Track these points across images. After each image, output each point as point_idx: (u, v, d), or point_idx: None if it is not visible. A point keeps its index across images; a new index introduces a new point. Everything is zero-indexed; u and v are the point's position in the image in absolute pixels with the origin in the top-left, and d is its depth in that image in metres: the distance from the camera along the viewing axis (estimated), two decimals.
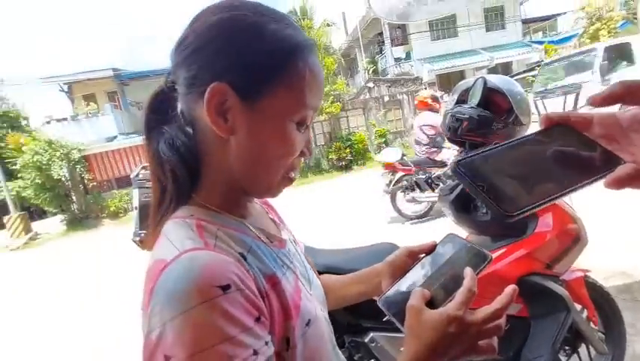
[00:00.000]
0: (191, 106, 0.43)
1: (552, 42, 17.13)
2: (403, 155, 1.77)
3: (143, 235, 1.40)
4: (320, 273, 1.32)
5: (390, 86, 13.99)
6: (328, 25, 15.45)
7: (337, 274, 1.27)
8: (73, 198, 11.59)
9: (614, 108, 0.31)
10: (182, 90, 0.43)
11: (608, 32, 15.95)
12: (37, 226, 12.62)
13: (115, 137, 13.16)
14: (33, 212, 15.06)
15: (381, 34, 17.68)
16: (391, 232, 4.19)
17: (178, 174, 0.44)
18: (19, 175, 11.16)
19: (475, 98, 1.32)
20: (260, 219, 0.53)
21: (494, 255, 1.25)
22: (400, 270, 0.55)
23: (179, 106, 0.45)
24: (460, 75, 17.55)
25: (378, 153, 12.21)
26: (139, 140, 10.09)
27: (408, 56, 17.49)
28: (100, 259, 6.40)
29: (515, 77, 15.59)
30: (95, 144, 12.18)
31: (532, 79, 13.86)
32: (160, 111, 0.46)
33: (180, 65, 0.43)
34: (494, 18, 18.02)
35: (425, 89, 14.54)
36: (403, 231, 4.13)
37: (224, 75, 0.40)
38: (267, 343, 0.37)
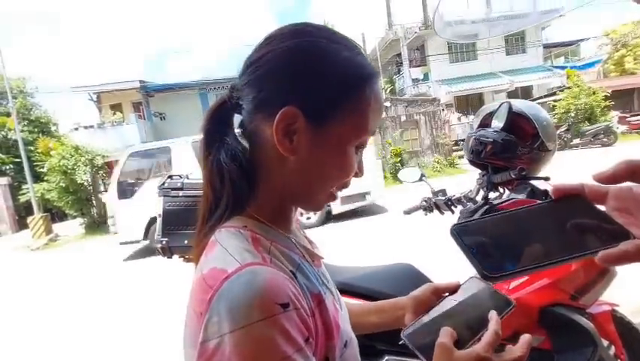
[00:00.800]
0: (256, 124, 0.44)
1: (574, 67, 16.96)
2: (423, 175, 1.76)
3: (164, 242, 1.45)
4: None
5: (407, 106, 14.05)
6: None
7: (352, 292, 1.29)
8: (94, 202, 11.95)
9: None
10: (248, 107, 0.45)
11: (634, 59, 15.67)
12: (57, 227, 13.01)
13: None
14: (55, 214, 15.55)
15: (399, 55, 17.91)
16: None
17: (237, 184, 0.45)
18: (45, 178, 11.63)
19: (499, 121, 1.31)
20: (300, 237, 0.53)
21: (515, 283, 1.24)
22: (424, 306, 0.55)
23: (240, 120, 0.46)
24: (479, 98, 17.49)
25: (393, 172, 12.20)
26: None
27: (426, 77, 17.61)
28: (113, 263, 6.53)
29: (536, 102, 15.44)
30: (117, 152, 12.63)
31: (554, 104, 13.72)
32: (221, 123, 0.47)
33: (251, 84, 0.44)
34: (515, 42, 18.02)
35: (443, 110, 14.59)
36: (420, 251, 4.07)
37: (296, 98, 0.41)
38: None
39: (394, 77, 19.38)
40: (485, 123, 1.40)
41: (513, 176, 1.21)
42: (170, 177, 1.55)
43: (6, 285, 6.39)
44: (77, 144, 11.59)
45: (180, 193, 1.44)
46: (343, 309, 0.54)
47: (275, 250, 0.43)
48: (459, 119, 15.28)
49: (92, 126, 13.87)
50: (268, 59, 0.43)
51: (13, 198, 16.26)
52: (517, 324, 1.20)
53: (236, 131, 0.47)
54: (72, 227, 12.62)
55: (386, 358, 1.22)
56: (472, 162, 1.39)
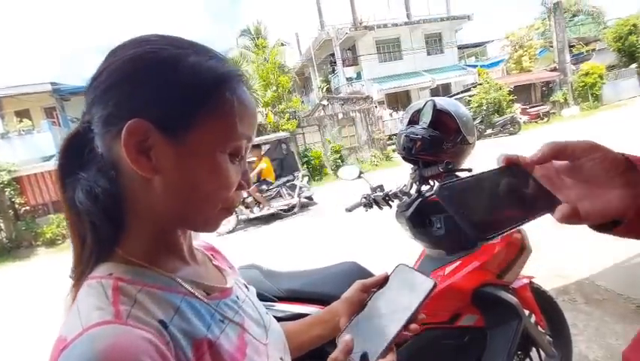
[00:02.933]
0: (109, 146, 0.39)
1: (483, 66, 19.18)
2: (361, 172, 1.84)
3: None
4: (282, 298, 1.32)
5: (343, 104, 14.58)
6: (282, 44, 15.83)
7: (301, 297, 1.33)
8: (1, 225, 10.36)
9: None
10: (98, 130, 0.39)
11: (529, 58, 18.27)
12: None
13: (52, 156, 12.04)
14: None
15: (333, 54, 18.47)
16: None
17: (98, 226, 0.39)
18: None
19: (425, 119, 1.39)
20: (198, 270, 0.48)
21: (450, 268, 1.34)
22: (356, 305, 0.55)
23: (99, 148, 0.40)
24: (406, 95, 18.87)
25: (335, 168, 12.60)
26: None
27: (359, 76, 18.44)
28: (29, 294, 5.74)
29: (454, 97, 17.15)
30: (28, 164, 11.07)
31: (469, 98, 15.38)
32: (76, 155, 0.41)
33: (95, 102, 0.39)
34: (434, 43, 19.72)
35: (376, 107, 15.45)
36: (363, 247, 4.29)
37: (144, 111, 0.37)
38: None
39: (330, 75, 19.95)
40: (413, 120, 1.47)
41: (441, 169, 1.31)
42: None
43: None
44: None
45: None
46: (270, 335, 0.51)
47: (143, 297, 0.37)
48: (390, 115, 16.33)
49: None
50: (109, 72, 0.39)
51: None
52: (455, 306, 1.31)
53: (101, 161, 0.40)
54: None
55: None
56: (405, 158, 1.47)
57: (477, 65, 19.64)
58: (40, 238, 10.31)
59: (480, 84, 15.39)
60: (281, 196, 7.09)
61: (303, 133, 13.26)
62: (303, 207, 7.57)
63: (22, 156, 11.29)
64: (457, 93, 17.23)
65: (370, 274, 1.33)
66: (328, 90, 18.47)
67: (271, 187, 7.04)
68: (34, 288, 6.04)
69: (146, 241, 0.42)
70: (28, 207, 10.84)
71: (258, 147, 7.40)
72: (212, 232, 0.46)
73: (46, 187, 11.14)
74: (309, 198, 7.74)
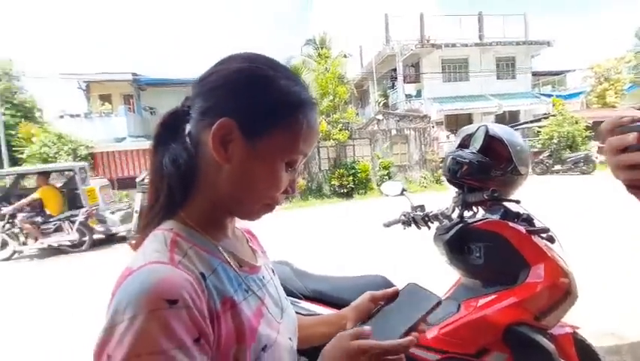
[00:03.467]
0: (200, 131, 0.49)
1: (560, 96, 17.61)
2: (404, 189, 1.82)
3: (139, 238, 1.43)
4: (308, 297, 1.31)
5: (399, 121, 14.25)
6: (345, 56, 15.95)
7: (325, 300, 1.32)
8: None
9: None
10: (195, 116, 0.49)
11: (615, 93, 16.40)
12: None
13: (124, 138, 13.32)
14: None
15: (394, 70, 18.22)
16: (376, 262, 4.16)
17: (173, 188, 0.49)
18: (23, 165, 11.26)
19: (476, 143, 1.36)
20: (236, 245, 0.56)
21: (484, 300, 1.27)
22: (365, 314, 0.60)
23: (188, 128, 0.50)
24: (468, 118, 17.94)
25: (380, 184, 12.27)
26: (147, 144, 10.24)
27: (419, 94, 17.94)
28: (93, 257, 6.33)
29: (522, 127, 15.92)
30: (103, 143, 12.33)
31: (539, 129, 14.17)
32: (171, 129, 0.51)
33: (199, 95, 0.50)
34: (505, 67, 18.59)
35: (433, 127, 14.86)
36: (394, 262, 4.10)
37: (234, 113, 0.47)
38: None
39: (388, 91, 19.67)
40: (464, 144, 1.44)
41: (486, 197, 1.27)
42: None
43: None
44: (61, 132, 11.28)
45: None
46: (285, 317, 0.57)
47: (192, 253, 0.46)
48: (447, 137, 15.57)
49: (78, 115, 13.53)
50: (218, 76, 0.49)
51: None
52: (484, 341, 1.23)
53: (187, 139, 0.50)
54: None
55: None
56: (450, 181, 1.43)
57: (552, 95, 18.10)
58: None
59: (553, 115, 14.14)
60: (63, 230, 6.58)
61: (354, 145, 13.16)
62: (107, 242, 7.14)
63: (100, 135, 12.62)
64: (526, 122, 15.98)
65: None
66: (385, 105, 18.21)
67: (51, 220, 6.53)
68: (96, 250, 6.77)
69: (203, 211, 0.51)
70: None
71: (44, 174, 6.93)
72: (251, 221, 0.55)
73: (115, 165, 12.32)
74: (112, 234, 7.20)
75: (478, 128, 1.40)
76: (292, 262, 1.48)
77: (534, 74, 19.67)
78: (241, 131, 0.47)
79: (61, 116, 13.40)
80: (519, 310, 1.21)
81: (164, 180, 0.49)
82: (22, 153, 11.16)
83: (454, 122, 17.52)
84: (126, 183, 11.70)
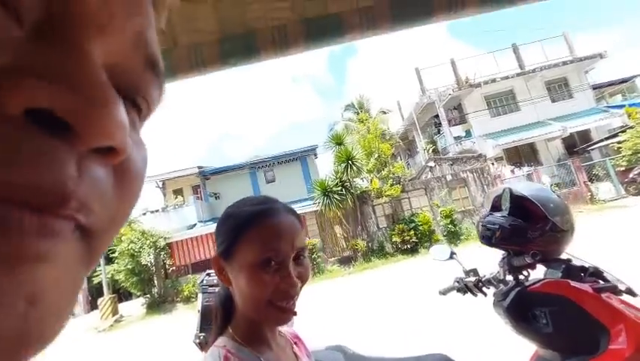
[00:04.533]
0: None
1: (634, 104, 15.73)
2: (453, 253, 1.72)
3: (202, 337, 1.47)
4: None
5: (452, 165, 13.77)
6: (384, 112, 16.52)
7: None
8: (155, 282, 12.65)
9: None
10: None
11: None
12: (123, 307, 13.76)
13: (194, 224, 14.63)
14: (122, 294, 16.61)
15: (437, 116, 18.18)
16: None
17: (218, 317, 0.66)
18: (115, 261, 12.74)
19: (505, 206, 1.31)
20: (278, 354, 0.64)
21: None
22: None
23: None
24: (530, 147, 16.70)
25: (446, 234, 11.47)
26: (214, 227, 11.03)
27: (468, 134, 17.40)
28: (169, 347, 6.60)
29: (597, 146, 14.27)
30: (178, 232, 13.61)
31: (618, 145, 12.55)
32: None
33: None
34: (558, 89, 17.50)
35: (493, 164, 14.01)
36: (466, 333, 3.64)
37: (218, 250, 0.63)
38: None
39: (435, 136, 19.44)
40: (496, 205, 1.38)
41: (528, 261, 1.19)
42: (208, 274, 1.63)
43: None
44: (144, 229, 12.76)
45: (217, 290, 1.52)
46: None
47: (243, 357, 0.57)
48: (512, 171, 14.47)
49: (157, 210, 15.35)
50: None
51: (87, 279, 17.81)
52: None
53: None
54: (135, 306, 13.26)
55: None
56: (490, 246, 1.36)
57: (624, 105, 16.27)
58: (180, 295, 12.12)
59: (631, 127, 12.53)
60: None
61: (409, 197, 12.83)
62: None
63: (174, 225, 14.00)
64: (600, 140, 14.34)
65: None
66: (434, 151, 17.88)
67: None
68: (173, 335, 7.16)
69: (243, 327, 0.62)
70: (174, 268, 13.05)
71: None
72: (281, 324, 0.63)
73: (188, 251, 13.35)
74: None
75: (502, 191, 1.35)
76: (347, 346, 1.44)
77: (595, 87, 18.13)
78: (223, 259, 0.61)
79: (144, 213, 15.29)
80: None
81: (215, 314, 0.67)
82: (114, 252, 12.71)
83: (516, 154, 16.38)
84: (199, 267, 12.50)
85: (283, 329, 0.73)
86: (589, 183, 12.61)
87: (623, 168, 12.23)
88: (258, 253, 0.58)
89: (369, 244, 12.26)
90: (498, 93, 17.43)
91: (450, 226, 11.57)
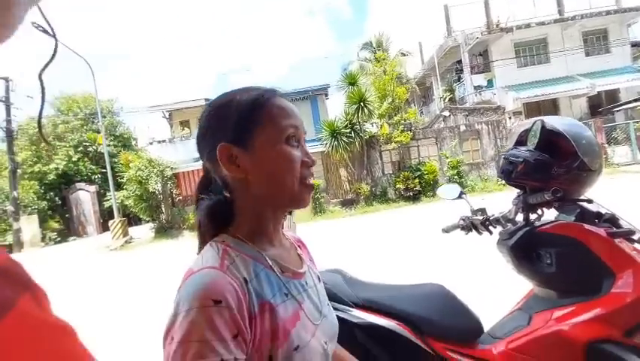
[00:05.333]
0: (217, 170, 0.60)
1: None
2: (462, 192, 1.69)
3: None
4: (359, 306, 1.25)
5: (467, 115, 13.25)
6: (403, 54, 15.51)
7: (378, 309, 1.24)
8: (163, 209, 13.12)
9: None
10: (208, 165, 0.62)
11: None
12: (133, 230, 14.51)
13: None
14: (131, 219, 17.40)
15: (459, 62, 17.03)
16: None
17: (210, 222, 0.61)
18: (124, 187, 13.11)
19: (533, 140, 1.25)
20: (282, 253, 0.64)
21: (560, 312, 1.15)
22: None
23: (215, 178, 0.62)
24: (553, 104, 15.87)
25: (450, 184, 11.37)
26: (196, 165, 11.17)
27: (490, 84, 16.45)
28: (175, 266, 7.02)
29: (624, 107, 13.47)
30: (184, 163, 13.75)
31: None
32: (204, 187, 0.65)
33: (201, 150, 0.62)
34: (596, 42, 16.08)
35: (510, 118, 13.43)
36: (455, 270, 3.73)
37: (225, 138, 0.57)
38: (236, 359, 0.46)
39: (454, 85, 18.42)
40: (521, 141, 1.34)
41: (547, 198, 1.15)
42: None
43: (88, 280, 7.23)
44: (151, 157, 12.89)
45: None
46: (323, 321, 0.63)
47: (239, 260, 0.55)
48: None
49: (164, 141, 15.36)
50: (198, 130, 0.62)
51: (99, 203, 18.60)
52: (560, 358, 1.11)
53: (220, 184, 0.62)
54: (144, 230, 13.97)
55: None
56: (507, 182, 1.32)
57: None
58: (186, 222, 12.64)
59: None
60: None
61: (418, 146, 12.58)
62: None
63: (180, 156, 14.10)
64: (628, 102, 13.50)
65: (457, 300, 1.27)
66: (451, 100, 17.10)
67: None
68: (179, 257, 7.49)
69: (247, 225, 0.60)
70: (181, 197, 13.43)
71: None
72: (303, 208, 0.62)
73: (195, 182, 13.58)
74: None
75: (533, 124, 1.27)
76: (345, 271, 1.44)
77: (634, 44, 16.59)
78: (237, 146, 0.57)
79: (151, 143, 15.34)
80: (604, 326, 1.06)
81: (202, 221, 0.62)
82: (122, 178, 13.02)
83: (536, 110, 15.61)
84: None
85: (287, 233, 0.74)
86: (606, 145, 12.15)
87: None
88: (281, 131, 0.58)
89: (373, 189, 12.34)
90: (530, 41, 16.09)
91: (455, 178, 11.48)
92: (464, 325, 1.24)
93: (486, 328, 1.30)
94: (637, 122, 12.21)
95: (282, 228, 0.69)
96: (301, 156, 0.60)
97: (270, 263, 0.58)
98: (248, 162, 0.57)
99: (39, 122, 0.57)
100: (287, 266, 0.62)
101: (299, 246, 0.73)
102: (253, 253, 0.58)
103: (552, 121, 1.23)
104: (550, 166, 1.18)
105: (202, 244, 0.62)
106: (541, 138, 1.21)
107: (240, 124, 0.57)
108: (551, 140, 1.21)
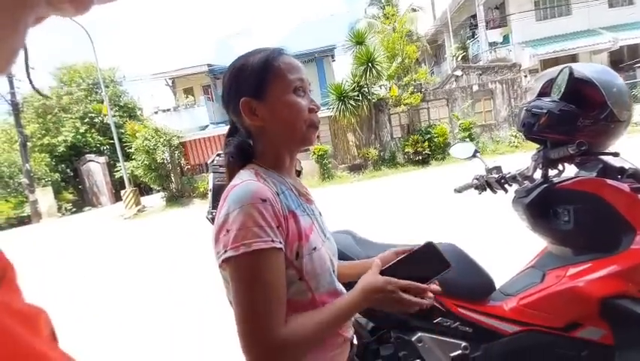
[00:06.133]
0: (241, 121, 0.74)
1: None
2: (476, 151, 1.61)
3: (214, 213, 1.48)
4: None
5: (481, 74, 12.66)
6: (414, 10, 14.61)
7: None
8: (172, 178, 13.27)
9: None
10: (234, 118, 0.75)
11: None
12: (145, 199, 14.83)
13: (207, 126, 14.58)
14: (142, 188, 17.73)
15: (474, 16, 16.01)
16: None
17: (236, 158, 0.74)
18: (133, 157, 13.19)
19: (559, 90, 1.16)
20: (297, 182, 0.78)
21: (575, 269, 1.13)
22: (386, 263, 0.74)
23: (241, 128, 0.76)
24: (572, 60, 14.97)
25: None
26: (227, 129, 11.06)
27: (506, 40, 15.51)
28: (188, 232, 7.21)
29: None
30: (190, 132, 13.67)
31: None
32: (230, 134, 0.78)
33: (226, 106, 0.75)
34: None
35: (526, 77, 12.79)
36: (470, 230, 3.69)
37: (245, 93, 0.70)
38: (280, 242, 0.61)
39: (468, 42, 17.44)
40: (545, 92, 1.27)
41: (571, 152, 1.08)
42: (219, 154, 1.60)
43: (109, 248, 7.49)
44: (157, 127, 12.83)
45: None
46: (327, 240, 0.77)
47: (269, 180, 0.69)
48: None
49: (168, 110, 15.21)
50: (222, 89, 0.76)
51: (110, 174, 18.91)
52: (574, 314, 1.11)
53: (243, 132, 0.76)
54: (156, 199, 14.25)
55: (419, 334, 1.18)
56: (527, 137, 1.27)
57: None
58: (195, 190, 12.81)
59: None
60: None
61: (428, 108, 12.21)
62: None
63: (187, 125, 13.99)
64: None
65: (469, 257, 1.27)
66: (465, 59, 16.32)
67: None
68: (191, 223, 7.84)
69: (269, 157, 0.73)
70: (189, 166, 13.51)
71: None
72: (310, 145, 0.76)
73: (202, 151, 13.60)
74: None
75: (560, 71, 1.19)
76: (355, 232, 1.44)
77: None
78: (255, 99, 0.70)
79: (156, 112, 15.22)
80: (620, 282, 1.06)
81: (229, 159, 0.74)
82: (130, 148, 13.06)
83: (554, 67, 14.80)
84: None
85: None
86: None
87: None
88: (289, 84, 0.70)
89: (381, 153, 12.18)
90: None
91: (466, 140, 11.21)
92: (475, 282, 1.23)
93: (498, 286, 1.27)
94: None
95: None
96: (307, 103, 0.72)
97: (291, 186, 0.73)
98: (265, 112, 0.69)
99: (27, 71, 0.45)
100: (298, 188, 0.75)
101: (307, 192, 0.87)
102: (278, 177, 0.72)
103: (581, 68, 1.15)
104: (577, 117, 1.12)
105: (230, 176, 0.73)
106: (567, 87, 1.13)
107: (256, 81, 0.69)
108: (578, 89, 1.13)
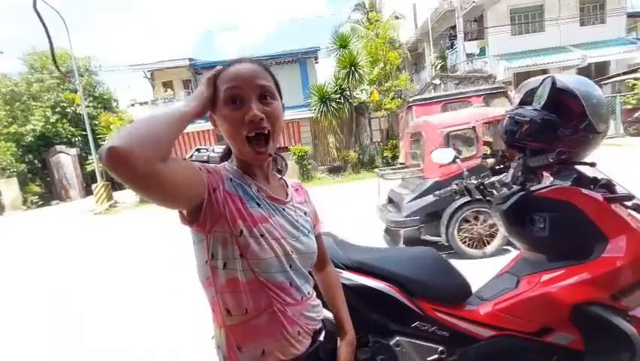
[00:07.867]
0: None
1: None
2: (456, 156, 1.67)
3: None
4: (350, 268, 1.28)
5: (458, 84, 13.04)
6: (397, 17, 14.89)
7: (370, 272, 1.24)
8: None
9: None
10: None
11: None
12: (117, 195, 14.26)
13: None
14: (115, 183, 17.03)
15: (454, 27, 16.53)
16: None
17: (220, 159, 0.84)
18: None
19: (541, 99, 1.20)
20: (268, 185, 0.79)
21: (549, 275, 1.17)
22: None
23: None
24: (543, 74, 15.75)
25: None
26: (206, 125, 10.93)
27: (482, 52, 16.13)
28: (160, 230, 6.99)
29: (612, 80, 13.51)
30: None
31: (634, 82, 11.89)
32: (219, 140, 0.99)
33: None
34: (592, 10, 15.77)
35: None
36: None
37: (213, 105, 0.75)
38: (206, 177, 0.67)
39: (447, 52, 17.98)
40: (526, 101, 1.30)
41: (550, 160, 1.12)
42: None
43: (74, 244, 7.16)
44: (133, 120, 12.39)
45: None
46: (300, 239, 0.78)
47: (230, 171, 0.75)
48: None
49: (146, 102, 14.72)
50: None
51: (81, 167, 18.07)
52: (546, 319, 1.14)
53: None
54: (129, 195, 13.75)
55: (397, 338, 1.19)
56: (508, 145, 1.30)
57: None
58: None
59: None
60: None
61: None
62: None
63: None
64: (617, 75, 13.53)
65: (448, 263, 1.29)
66: (443, 68, 16.79)
67: None
68: (164, 223, 7.48)
69: (237, 163, 0.78)
70: None
71: None
72: (258, 162, 0.76)
73: (179, 146, 13.25)
74: None
75: (543, 81, 1.22)
76: (335, 233, 1.45)
77: (630, 15, 16.35)
78: (212, 111, 0.75)
79: (132, 105, 14.72)
80: (591, 288, 1.09)
81: (225, 150, 0.85)
82: (104, 140, 12.55)
83: (526, 80, 15.51)
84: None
85: (289, 181, 0.90)
86: None
87: (630, 107, 11.84)
88: (223, 95, 0.70)
89: (361, 157, 12.32)
90: (526, 7, 15.66)
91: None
92: (452, 287, 1.26)
93: (474, 290, 1.33)
94: (624, 96, 12.30)
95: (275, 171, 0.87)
96: (242, 114, 0.69)
97: (250, 183, 0.75)
98: (219, 123, 0.73)
99: (52, 53, 0.50)
100: (265, 189, 0.76)
101: (296, 189, 0.90)
102: (239, 174, 0.75)
103: (564, 79, 1.19)
104: (557, 127, 1.15)
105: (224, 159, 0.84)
106: (549, 97, 1.17)
107: (214, 93, 0.72)
108: (559, 99, 1.16)
